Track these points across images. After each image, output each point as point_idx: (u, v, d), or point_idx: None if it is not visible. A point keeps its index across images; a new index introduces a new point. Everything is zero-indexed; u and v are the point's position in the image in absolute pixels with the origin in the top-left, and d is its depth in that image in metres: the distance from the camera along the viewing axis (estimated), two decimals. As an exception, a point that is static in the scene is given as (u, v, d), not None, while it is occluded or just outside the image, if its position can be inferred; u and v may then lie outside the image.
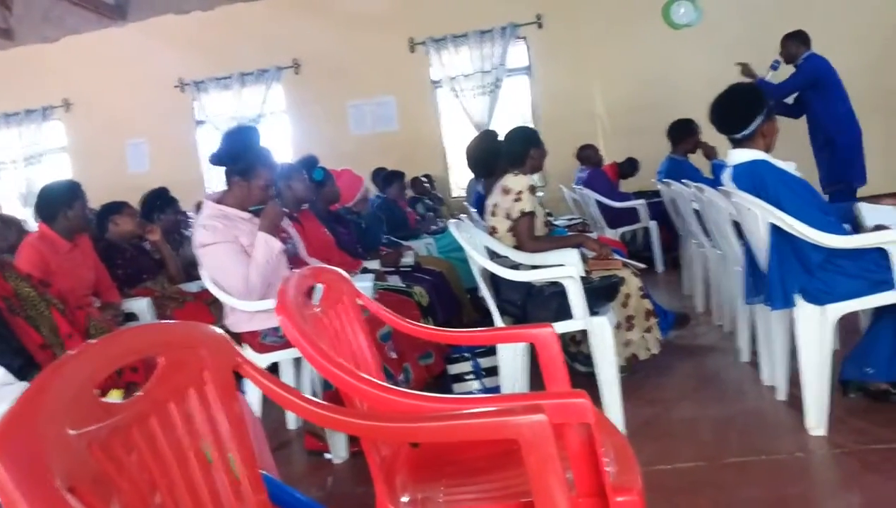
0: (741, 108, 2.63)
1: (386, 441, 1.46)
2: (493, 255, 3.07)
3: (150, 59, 8.19)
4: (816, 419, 2.39)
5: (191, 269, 3.71)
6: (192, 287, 3.77)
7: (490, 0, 7.77)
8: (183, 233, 4.53)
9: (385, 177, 6.04)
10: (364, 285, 2.73)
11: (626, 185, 7.04)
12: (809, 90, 5.39)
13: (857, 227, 2.69)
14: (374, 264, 3.72)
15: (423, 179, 7.35)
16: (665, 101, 7.06)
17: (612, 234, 6.01)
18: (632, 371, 3.22)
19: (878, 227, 2.51)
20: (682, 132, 5.24)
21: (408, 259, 3.85)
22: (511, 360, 2.68)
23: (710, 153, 5.09)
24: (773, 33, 7.25)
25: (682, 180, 4.31)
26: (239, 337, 2.68)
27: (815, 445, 2.34)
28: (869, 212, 2.66)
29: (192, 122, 8.59)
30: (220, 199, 2.73)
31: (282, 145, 8.28)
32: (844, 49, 7.14)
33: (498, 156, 3.40)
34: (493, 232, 3.20)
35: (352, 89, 8.13)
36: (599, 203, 6.20)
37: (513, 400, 1.30)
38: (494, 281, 2.94)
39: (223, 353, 1.04)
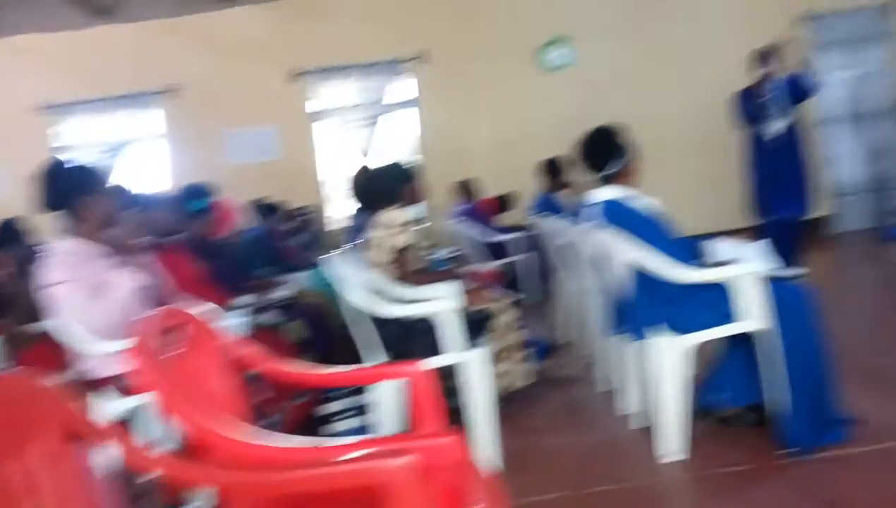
0: (606, 148, 2.79)
1: (246, 493, 1.41)
2: (373, 290, 3.06)
3: (8, 80, 7.64)
4: (674, 445, 2.53)
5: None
6: (41, 327, 3.48)
7: (375, 34, 7.84)
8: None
9: (263, 208, 5.91)
10: (236, 322, 2.64)
11: (505, 219, 7.25)
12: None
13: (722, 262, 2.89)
14: (248, 298, 3.61)
15: (304, 211, 7.25)
16: (541, 139, 7.36)
17: (491, 267, 6.15)
18: (506, 402, 3.28)
19: (727, 262, 2.72)
20: (552, 170, 5.49)
21: (285, 293, 3.76)
22: (386, 397, 2.66)
23: (577, 191, 5.34)
24: (640, 77, 7.81)
25: (553, 215, 4.50)
26: (96, 383, 2.51)
27: (672, 471, 2.47)
28: (716, 248, 2.86)
29: (52, 148, 8.05)
30: (70, 234, 2.55)
31: (158, 172, 7.94)
32: (699, 91, 7.78)
33: (379, 190, 3.41)
34: (372, 266, 3.20)
35: (231, 117, 7.93)
36: (478, 236, 6.34)
37: (382, 444, 1.30)
38: (373, 318, 2.93)
39: (51, 410, 0.97)
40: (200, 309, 1.82)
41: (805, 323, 2.53)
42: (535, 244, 5.77)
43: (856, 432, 2.48)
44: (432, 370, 1.64)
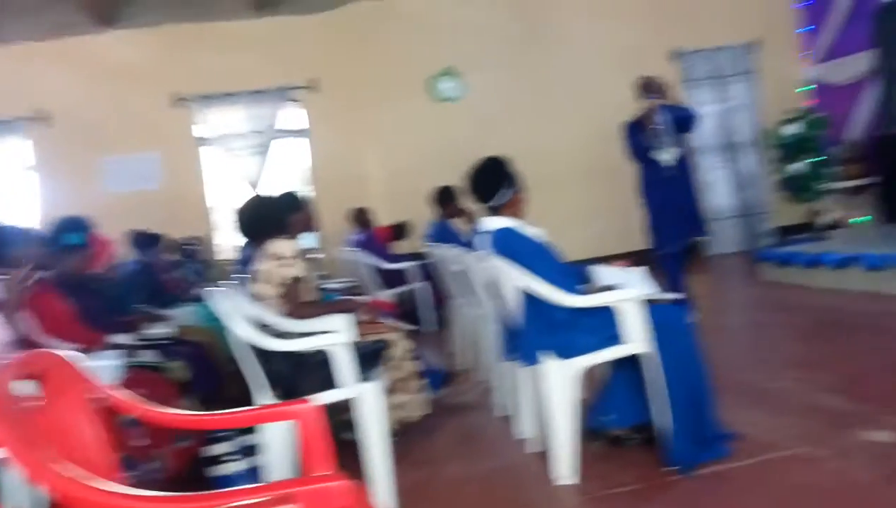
0: (492, 180, 2.83)
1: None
2: (262, 324, 2.95)
3: None
4: (565, 468, 2.57)
5: None
6: None
7: (263, 61, 7.71)
8: None
9: (143, 239, 5.60)
10: (107, 364, 2.46)
11: (399, 247, 7.24)
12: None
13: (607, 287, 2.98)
14: (124, 337, 3.38)
15: (189, 242, 6.94)
16: (433, 168, 7.44)
17: (386, 296, 6.11)
18: (401, 434, 3.23)
19: (610, 287, 2.81)
20: (444, 198, 5.54)
21: (164, 330, 3.56)
22: (275, 439, 2.55)
23: (471, 218, 5.40)
24: (527, 109, 8.07)
25: (448, 243, 4.53)
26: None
27: (565, 494, 2.50)
28: (601, 274, 2.95)
29: None
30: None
31: (27, 204, 7.40)
32: (581, 123, 8.13)
33: (267, 220, 3.31)
34: (259, 299, 3.08)
35: (109, 144, 7.54)
36: (373, 265, 6.29)
37: (267, 490, 1.23)
38: (262, 353, 2.81)
39: None
40: (67, 351, 1.68)
41: (684, 345, 2.64)
42: (430, 272, 5.78)
43: (735, 447, 2.60)
44: (321, 408, 1.58)
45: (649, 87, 4.91)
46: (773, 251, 6.41)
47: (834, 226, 7.34)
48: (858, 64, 7.69)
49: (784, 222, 8.15)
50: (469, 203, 5.38)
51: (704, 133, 8.34)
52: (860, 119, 7.90)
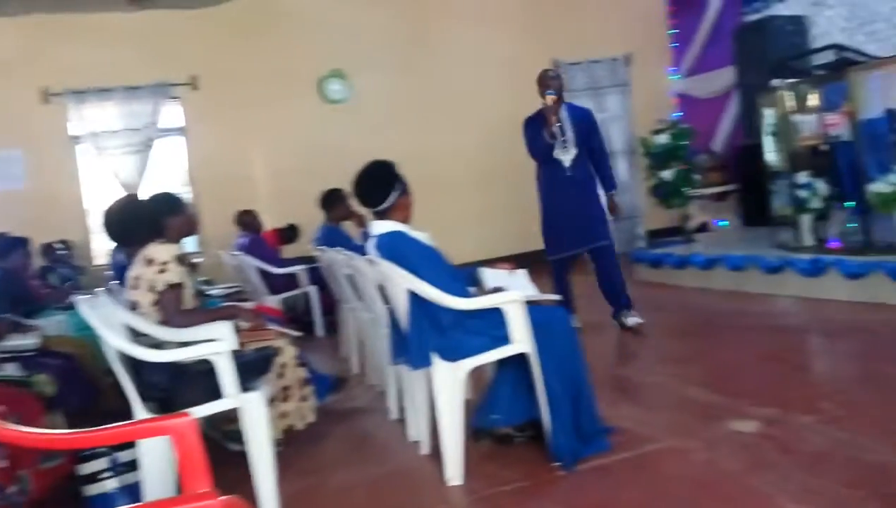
0: (378, 184, 2.83)
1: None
2: (137, 334, 2.80)
3: None
4: (454, 469, 2.60)
5: None
6: None
7: (141, 56, 7.32)
8: None
9: (4, 243, 5.17)
10: (-39, 380, 2.26)
11: (288, 251, 7.08)
12: None
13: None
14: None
15: (58, 246, 6.49)
16: (322, 170, 7.34)
17: (274, 301, 5.96)
18: (288, 443, 3.16)
19: (496, 290, 2.87)
20: (332, 201, 5.48)
21: (29, 341, 3.31)
22: (152, 454, 2.43)
23: (360, 222, 5.37)
24: (413, 114, 8.11)
25: (336, 247, 4.48)
26: None
27: (455, 495, 2.53)
28: (488, 276, 3.02)
29: None
30: None
31: None
32: (466, 128, 8.28)
33: (140, 223, 3.14)
34: (134, 307, 2.93)
35: (-35, 141, 6.92)
36: (260, 269, 6.12)
37: None
38: (136, 364, 2.67)
39: None
40: None
41: (564, 344, 2.74)
42: (319, 276, 5.69)
43: (615, 441, 2.73)
44: (195, 423, 1.51)
45: (545, 81, 4.58)
46: (645, 252, 6.79)
47: (701, 229, 7.86)
48: (721, 79, 8.28)
49: (656, 226, 8.62)
50: (358, 206, 5.36)
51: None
52: (723, 130, 8.50)
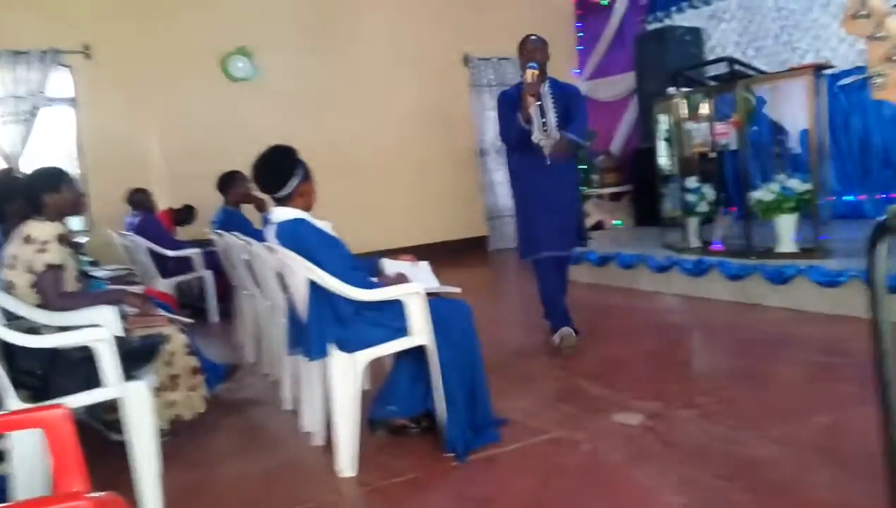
0: (279, 169, 2.75)
1: None
2: (11, 316, 2.61)
3: None
4: (347, 461, 2.59)
5: None
6: None
7: (28, 18, 6.81)
8: None
9: None
10: None
11: (183, 233, 6.81)
12: None
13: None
14: None
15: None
16: (223, 150, 7.09)
17: (166, 285, 5.72)
18: (174, 433, 3.05)
19: (400, 278, 2.87)
20: (230, 183, 5.31)
21: None
22: (22, 447, 2.27)
23: (260, 206, 5.23)
24: (321, 97, 7.96)
25: (235, 231, 4.35)
26: None
27: (347, 487, 2.52)
28: (390, 268, 3.02)
29: None
30: None
31: None
32: (376, 117, 8.22)
33: (15, 198, 2.93)
34: (10, 287, 2.73)
35: None
36: (152, 251, 5.86)
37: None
38: (9, 349, 2.49)
39: None
40: None
41: (462, 336, 2.77)
42: (216, 260, 5.51)
43: (505, 432, 2.79)
44: (69, 414, 1.43)
45: (527, 51, 3.87)
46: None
47: (596, 227, 8.15)
48: (622, 84, 8.59)
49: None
50: (258, 190, 5.20)
51: (487, 135, 8.84)
52: (621, 133, 8.84)
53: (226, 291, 5.71)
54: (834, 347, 3.55)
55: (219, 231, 4.66)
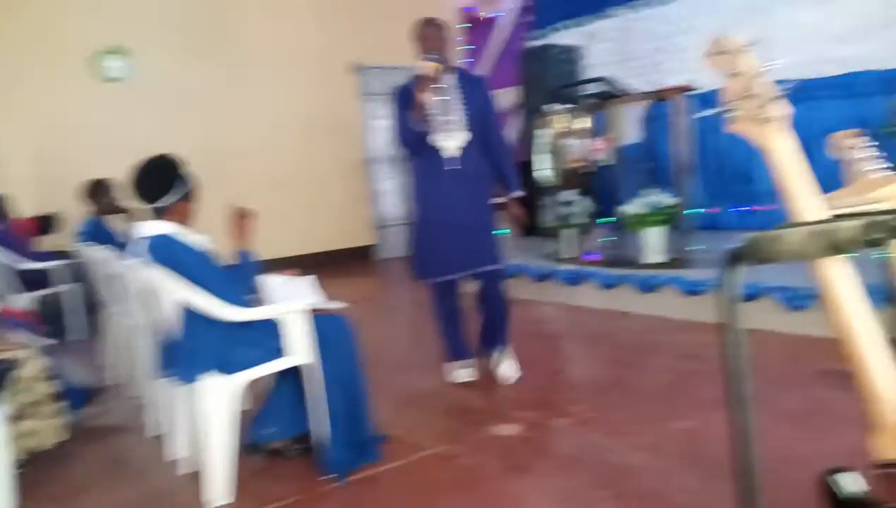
0: (161, 179, 2.61)
1: None
2: None
3: None
4: (221, 488, 2.48)
5: None
6: None
7: None
8: None
9: None
10: None
11: (45, 243, 6.33)
12: None
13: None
14: None
15: None
16: (93, 154, 6.70)
17: (25, 300, 5.30)
18: (32, 464, 2.82)
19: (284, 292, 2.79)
20: (98, 192, 5.01)
21: None
22: None
23: (131, 217, 4.95)
24: (203, 102, 7.66)
25: (101, 243, 4.10)
26: None
27: (221, 514, 2.42)
28: (268, 283, 2.92)
29: None
30: None
31: None
32: (262, 123, 8.01)
33: None
34: None
35: None
36: (9, 262, 5.41)
37: None
38: None
39: None
40: None
41: (345, 354, 2.74)
42: (81, 273, 5.17)
43: (387, 450, 2.78)
44: None
45: (424, 37, 3.31)
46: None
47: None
48: (508, 97, 8.82)
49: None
50: (131, 201, 4.90)
51: (376, 144, 8.83)
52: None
53: (93, 306, 5.37)
54: (696, 353, 3.79)
55: (84, 242, 4.37)
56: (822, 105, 5.96)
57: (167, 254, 2.53)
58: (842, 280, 1.23)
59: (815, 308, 3.71)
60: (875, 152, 1.56)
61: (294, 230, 8.14)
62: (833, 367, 3.01)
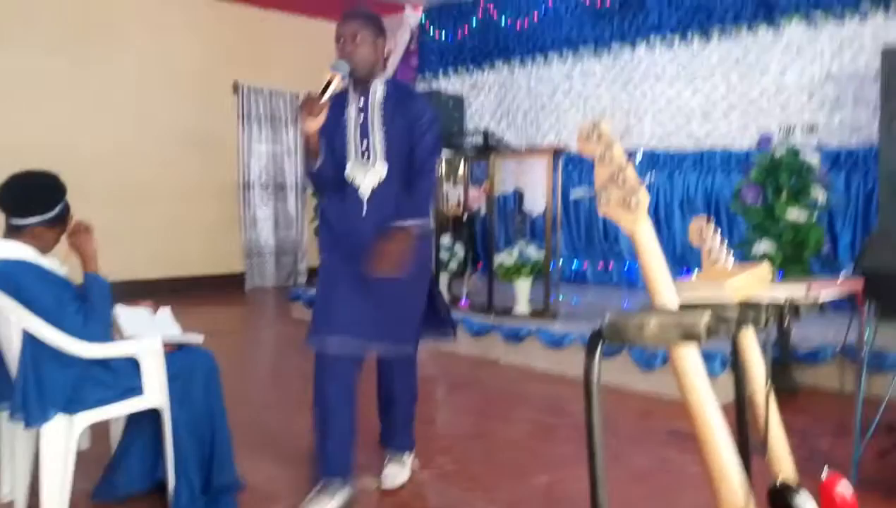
0: (30, 195, 2.41)
1: None
2: None
3: None
4: (55, 540, 2.29)
5: None
6: None
7: None
8: None
9: None
10: None
11: None
12: None
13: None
14: None
15: None
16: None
17: None
18: None
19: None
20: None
21: None
22: None
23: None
24: (63, 105, 7.15)
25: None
26: None
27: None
28: (126, 317, 2.73)
29: None
30: None
31: None
32: (138, 136, 7.58)
33: None
34: None
35: None
36: None
37: None
38: None
39: None
40: None
41: (202, 392, 2.59)
42: None
43: (242, 498, 2.65)
44: None
45: (340, 35, 2.53)
46: (304, 291, 6.88)
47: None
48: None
49: (317, 263, 8.85)
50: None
51: (254, 169, 8.62)
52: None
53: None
54: (557, 406, 3.94)
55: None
56: (679, 176, 6.49)
57: (14, 279, 2.33)
58: (694, 363, 1.33)
59: (665, 369, 3.98)
60: (722, 240, 1.71)
61: (156, 249, 7.71)
62: (680, 428, 3.24)
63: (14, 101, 6.81)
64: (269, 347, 5.97)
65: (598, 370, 1.32)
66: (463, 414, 3.98)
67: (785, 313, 1.53)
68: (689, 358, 1.33)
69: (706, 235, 1.74)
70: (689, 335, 1.26)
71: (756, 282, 1.57)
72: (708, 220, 1.72)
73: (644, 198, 1.41)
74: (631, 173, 1.44)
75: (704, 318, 1.25)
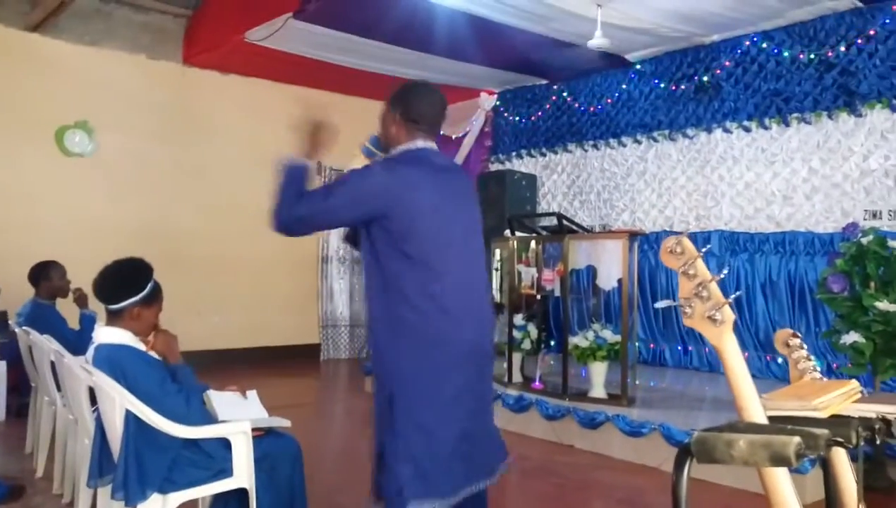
0: (121, 281, 2.61)
1: None
2: None
3: None
4: None
5: None
6: None
7: None
8: None
9: None
10: None
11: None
12: None
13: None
14: None
15: None
16: (60, 229, 6.65)
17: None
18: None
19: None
20: (43, 275, 4.91)
21: None
22: None
23: (81, 302, 4.83)
24: (162, 183, 7.67)
25: (44, 326, 4.00)
26: None
27: None
28: (217, 400, 2.86)
29: None
30: None
31: None
32: (225, 213, 8.00)
33: None
34: None
35: None
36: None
37: None
38: None
39: None
40: None
41: (287, 478, 2.70)
42: (12, 350, 5.00)
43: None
44: None
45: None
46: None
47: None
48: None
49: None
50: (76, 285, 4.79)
51: (332, 242, 8.91)
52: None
53: (22, 385, 5.13)
54: (636, 499, 3.83)
55: (25, 327, 4.22)
56: (760, 259, 6.36)
57: (117, 364, 2.50)
58: (783, 486, 1.33)
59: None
60: (809, 354, 1.71)
61: (242, 321, 8.04)
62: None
63: (122, 180, 7.34)
64: (341, 421, 6.05)
65: (687, 488, 1.33)
66: (537, 501, 3.92)
67: (876, 431, 1.51)
68: (779, 478, 1.34)
69: (793, 345, 1.74)
70: (778, 459, 1.26)
71: (844, 399, 1.56)
72: (794, 335, 1.72)
73: (729, 316, 1.44)
74: (714, 288, 1.48)
75: (794, 442, 1.25)
